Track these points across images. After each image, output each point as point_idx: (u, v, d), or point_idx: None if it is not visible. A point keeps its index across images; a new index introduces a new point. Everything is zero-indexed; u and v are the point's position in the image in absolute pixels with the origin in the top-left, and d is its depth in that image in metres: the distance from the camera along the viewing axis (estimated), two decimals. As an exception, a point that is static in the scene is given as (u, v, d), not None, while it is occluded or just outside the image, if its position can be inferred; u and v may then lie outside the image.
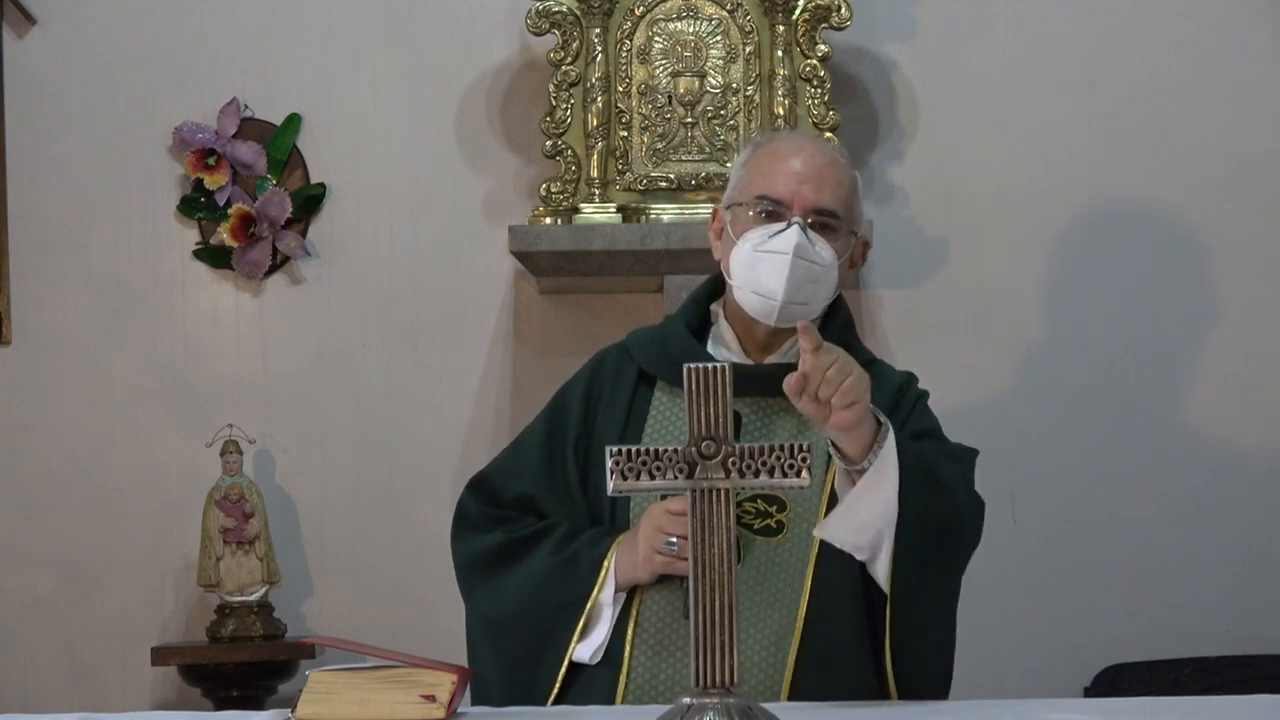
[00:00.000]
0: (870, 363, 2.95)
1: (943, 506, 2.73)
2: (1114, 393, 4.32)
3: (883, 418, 2.67)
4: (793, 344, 2.90)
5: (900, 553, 2.67)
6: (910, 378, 3.01)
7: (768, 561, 2.75)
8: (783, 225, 2.81)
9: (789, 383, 2.55)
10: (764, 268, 2.80)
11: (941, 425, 3.00)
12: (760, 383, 2.81)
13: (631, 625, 2.77)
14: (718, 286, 2.96)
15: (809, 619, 2.74)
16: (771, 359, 2.90)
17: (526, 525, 2.89)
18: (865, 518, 2.66)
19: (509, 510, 2.92)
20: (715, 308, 2.97)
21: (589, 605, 2.77)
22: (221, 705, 4.09)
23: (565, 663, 2.76)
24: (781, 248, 2.79)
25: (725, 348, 2.92)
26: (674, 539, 2.69)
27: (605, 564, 2.77)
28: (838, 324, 2.94)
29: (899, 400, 2.91)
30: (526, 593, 2.82)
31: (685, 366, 2.14)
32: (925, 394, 2.99)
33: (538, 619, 2.81)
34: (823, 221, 2.83)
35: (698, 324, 2.96)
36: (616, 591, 2.78)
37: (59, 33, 4.36)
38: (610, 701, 2.73)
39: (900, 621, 2.71)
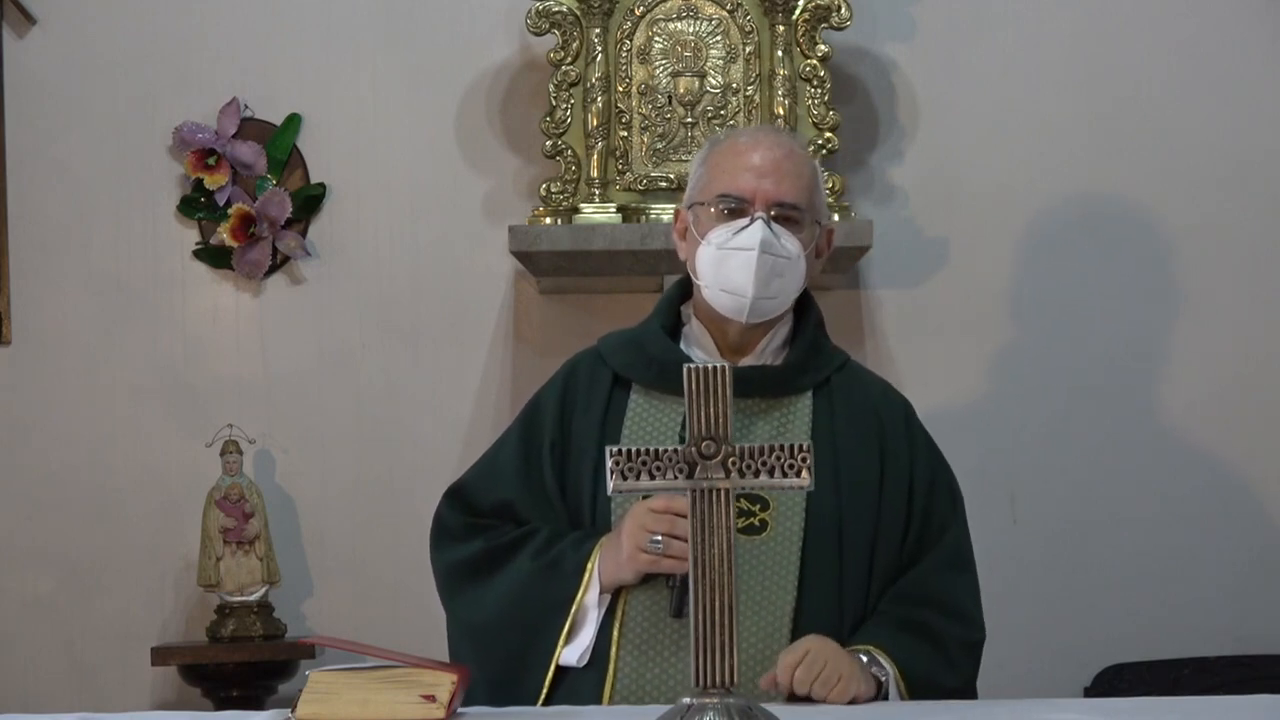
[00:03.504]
0: (844, 365, 2.95)
1: (947, 690, 2.75)
2: (1113, 393, 4.32)
3: (874, 664, 2.70)
4: (768, 342, 2.90)
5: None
6: (886, 393, 2.97)
7: (752, 560, 2.75)
8: (746, 221, 2.81)
9: (765, 681, 2.62)
10: (730, 265, 2.80)
11: (939, 425, 3.00)
12: (737, 385, 2.80)
13: (617, 627, 2.76)
14: (688, 287, 2.95)
15: (800, 617, 2.74)
16: (747, 360, 2.89)
17: (506, 532, 2.87)
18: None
19: (487, 519, 2.91)
20: (686, 309, 2.97)
21: (574, 608, 2.76)
22: (221, 705, 4.09)
23: (552, 666, 2.75)
24: (746, 244, 2.79)
25: (699, 348, 2.91)
26: (659, 537, 2.68)
27: (589, 566, 2.76)
28: (809, 323, 2.94)
29: (884, 434, 2.88)
30: (510, 599, 2.81)
31: (685, 367, 2.15)
32: (911, 412, 2.96)
33: (522, 624, 2.79)
34: (785, 214, 2.83)
35: (671, 325, 2.95)
36: (601, 593, 2.76)
37: (59, 33, 4.36)
38: (597, 703, 2.72)
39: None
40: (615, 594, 2.77)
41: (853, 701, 2.61)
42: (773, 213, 2.82)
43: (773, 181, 2.82)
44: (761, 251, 2.78)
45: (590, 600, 2.76)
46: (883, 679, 2.69)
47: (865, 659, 2.69)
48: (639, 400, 2.89)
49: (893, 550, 2.83)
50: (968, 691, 2.82)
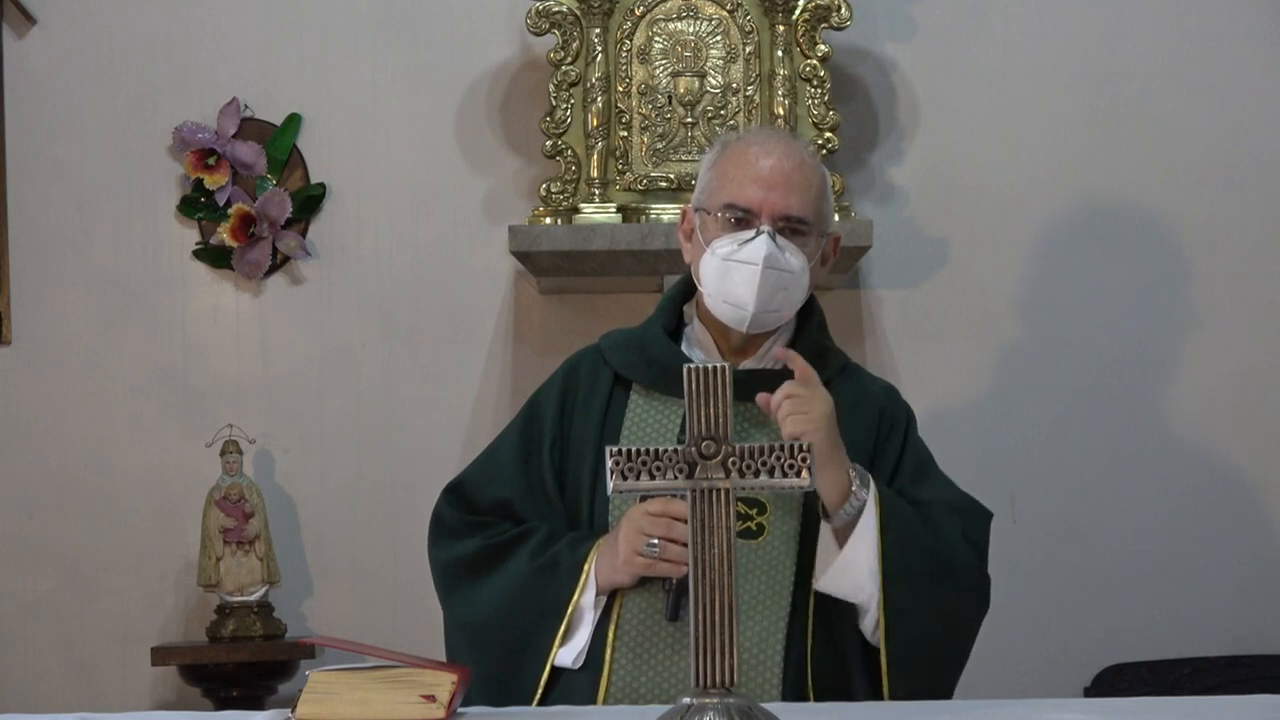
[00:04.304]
0: (844, 368, 2.94)
1: (936, 579, 2.73)
2: (1113, 393, 4.32)
3: (861, 478, 2.70)
4: (769, 346, 2.89)
5: (890, 617, 2.69)
6: (891, 395, 2.97)
7: (749, 564, 2.74)
8: (751, 234, 2.79)
9: (761, 398, 2.69)
10: (734, 278, 2.79)
11: (939, 425, 2.99)
12: (737, 388, 2.80)
13: (612, 629, 2.76)
14: (691, 287, 2.95)
15: (796, 621, 2.74)
16: (747, 363, 2.88)
17: (504, 531, 2.87)
18: (854, 580, 2.70)
19: (486, 516, 2.91)
20: (688, 309, 2.96)
21: (570, 609, 2.75)
22: (221, 705, 4.09)
23: (547, 667, 2.75)
24: (751, 258, 2.77)
25: (700, 349, 2.91)
26: (655, 540, 2.68)
27: (585, 568, 2.76)
28: (812, 326, 2.93)
29: (880, 425, 2.89)
30: (506, 598, 2.81)
31: (685, 367, 2.15)
32: (912, 417, 2.96)
33: (518, 624, 2.79)
34: (792, 228, 2.81)
35: (673, 326, 2.94)
36: (597, 595, 2.76)
37: (59, 33, 4.36)
38: (592, 705, 2.72)
39: (893, 673, 2.72)
40: (611, 596, 2.77)
41: (797, 437, 2.62)
42: (779, 225, 2.80)
43: (780, 194, 2.80)
44: (765, 267, 2.77)
45: (586, 602, 2.76)
46: (858, 500, 2.69)
47: (855, 476, 2.70)
48: (639, 400, 2.89)
49: None
50: (950, 578, 2.76)
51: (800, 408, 2.69)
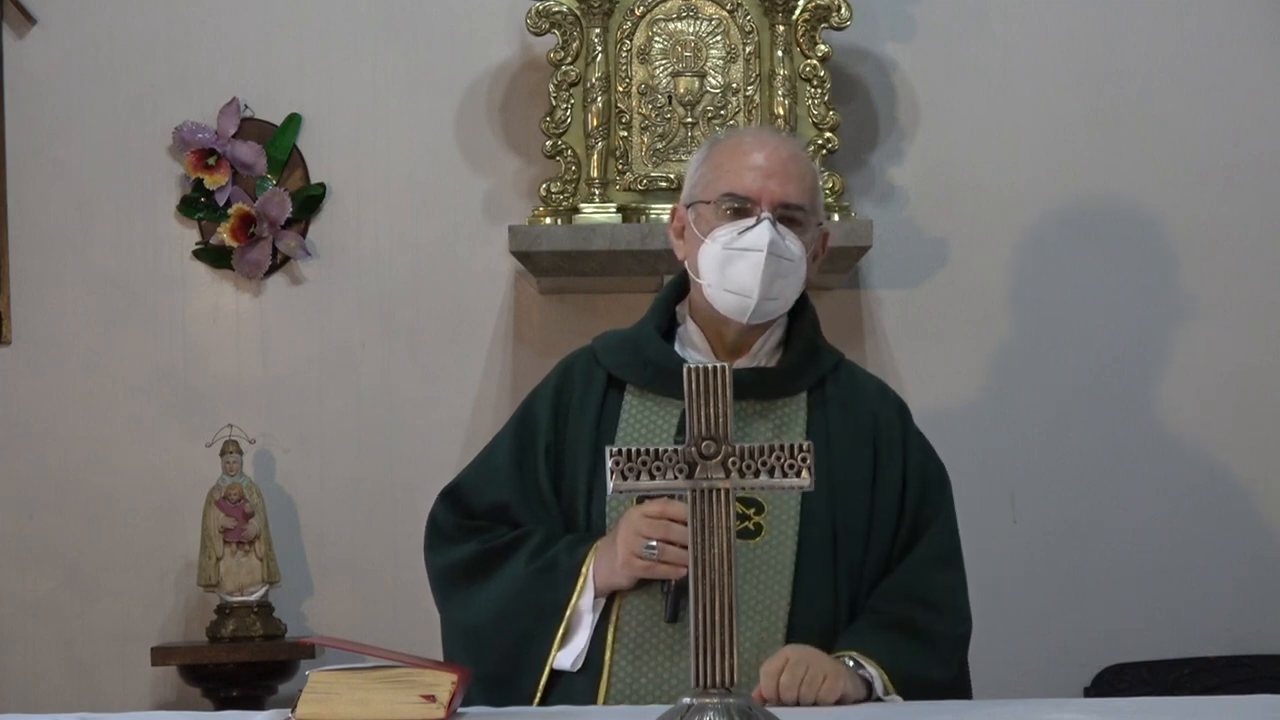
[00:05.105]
0: (838, 365, 2.94)
1: (939, 674, 2.76)
2: (1113, 393, 4.32)
3: (860, 662, 2.68)
4: (763, 343, 2.89)
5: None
6: (883, 394, 2.96)
7: (747, 564, 2.73)
8: (752, 221, 2.79)
9: (756, 695, 2.58)
10: (737, 266, 2.79)
11: (939, 425, 2.99)
12: (733, 387, 2.81)
13: (611, 631, 2.75)
14: (682, 288, 2.95)
15: (795, 621, 2.74)
16: (742, 361, 2.88)
17: (501, 534, 2.86)
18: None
19: (482, 520, 2.90)
20: (680, 309, 2.95)
21: (568, 612, 2.75)
22: (221, 705, 4.09)
23: (546, 670, 2.75)
24: (754, 244, 2.78)
25: (694, 349, 2.90)
26: (653, 543, 2.68)
27: (583, 570, 2.75)
28: (805, 324, 2.93)
29: (878, 436, 2.88)
30: (504, 602, 2.80)
31: (685, 367, 2.14)
32: (906, 413, 2.95)
33: (516, 627, 2.78)
34: (790, 215, 2.82)
35: (666, 327, 2.94)
36: (595, 597, 2.76)
37: (59, 33, 4.36)
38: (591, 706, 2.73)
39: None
40: (610, 598, 2.76)
41: (841, 700, 2.61)
42: (778, 213, 2.81)
43: (779, 182, 2.81)
44: (770, 253, 2.77)
45: (585, 605, 2.76)
46: (870, 680, 2.68)
47: (851, 663, 2.68)
48: (633, 401, 2.89)
49: (884, 550, 2.83)
50: (958, 683, 2.81)
51: (800, 675, 2.60)
